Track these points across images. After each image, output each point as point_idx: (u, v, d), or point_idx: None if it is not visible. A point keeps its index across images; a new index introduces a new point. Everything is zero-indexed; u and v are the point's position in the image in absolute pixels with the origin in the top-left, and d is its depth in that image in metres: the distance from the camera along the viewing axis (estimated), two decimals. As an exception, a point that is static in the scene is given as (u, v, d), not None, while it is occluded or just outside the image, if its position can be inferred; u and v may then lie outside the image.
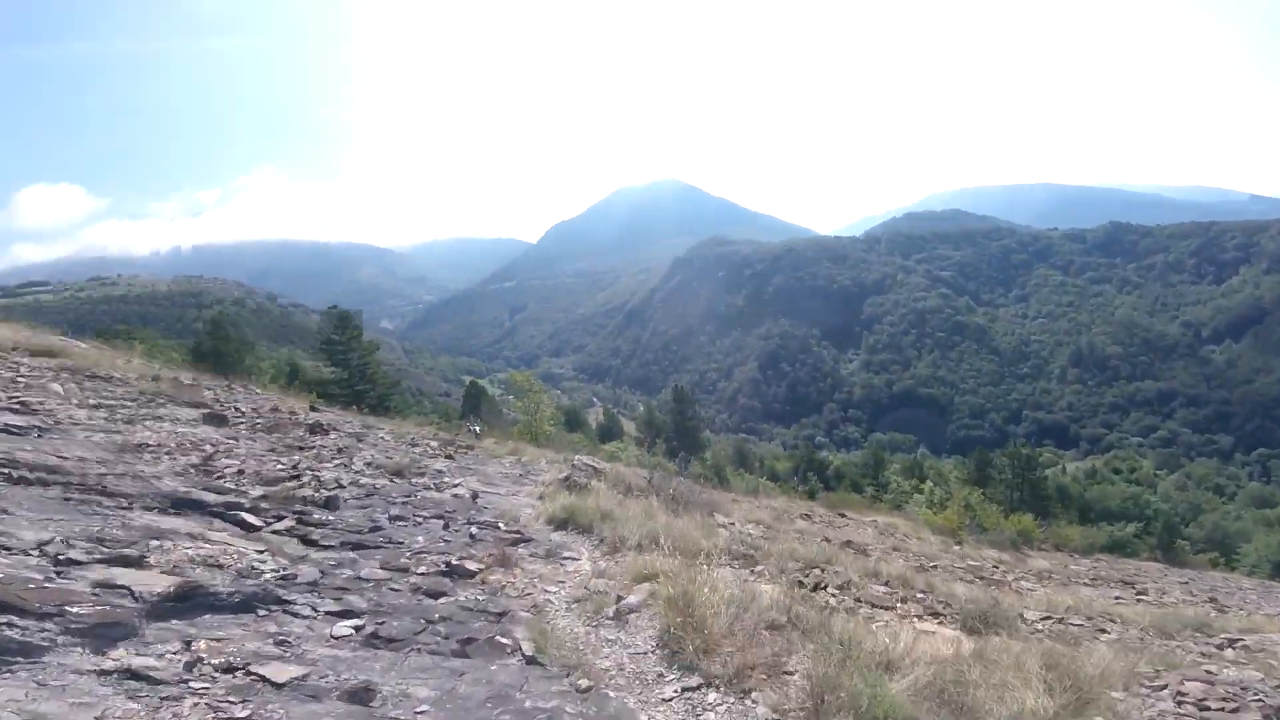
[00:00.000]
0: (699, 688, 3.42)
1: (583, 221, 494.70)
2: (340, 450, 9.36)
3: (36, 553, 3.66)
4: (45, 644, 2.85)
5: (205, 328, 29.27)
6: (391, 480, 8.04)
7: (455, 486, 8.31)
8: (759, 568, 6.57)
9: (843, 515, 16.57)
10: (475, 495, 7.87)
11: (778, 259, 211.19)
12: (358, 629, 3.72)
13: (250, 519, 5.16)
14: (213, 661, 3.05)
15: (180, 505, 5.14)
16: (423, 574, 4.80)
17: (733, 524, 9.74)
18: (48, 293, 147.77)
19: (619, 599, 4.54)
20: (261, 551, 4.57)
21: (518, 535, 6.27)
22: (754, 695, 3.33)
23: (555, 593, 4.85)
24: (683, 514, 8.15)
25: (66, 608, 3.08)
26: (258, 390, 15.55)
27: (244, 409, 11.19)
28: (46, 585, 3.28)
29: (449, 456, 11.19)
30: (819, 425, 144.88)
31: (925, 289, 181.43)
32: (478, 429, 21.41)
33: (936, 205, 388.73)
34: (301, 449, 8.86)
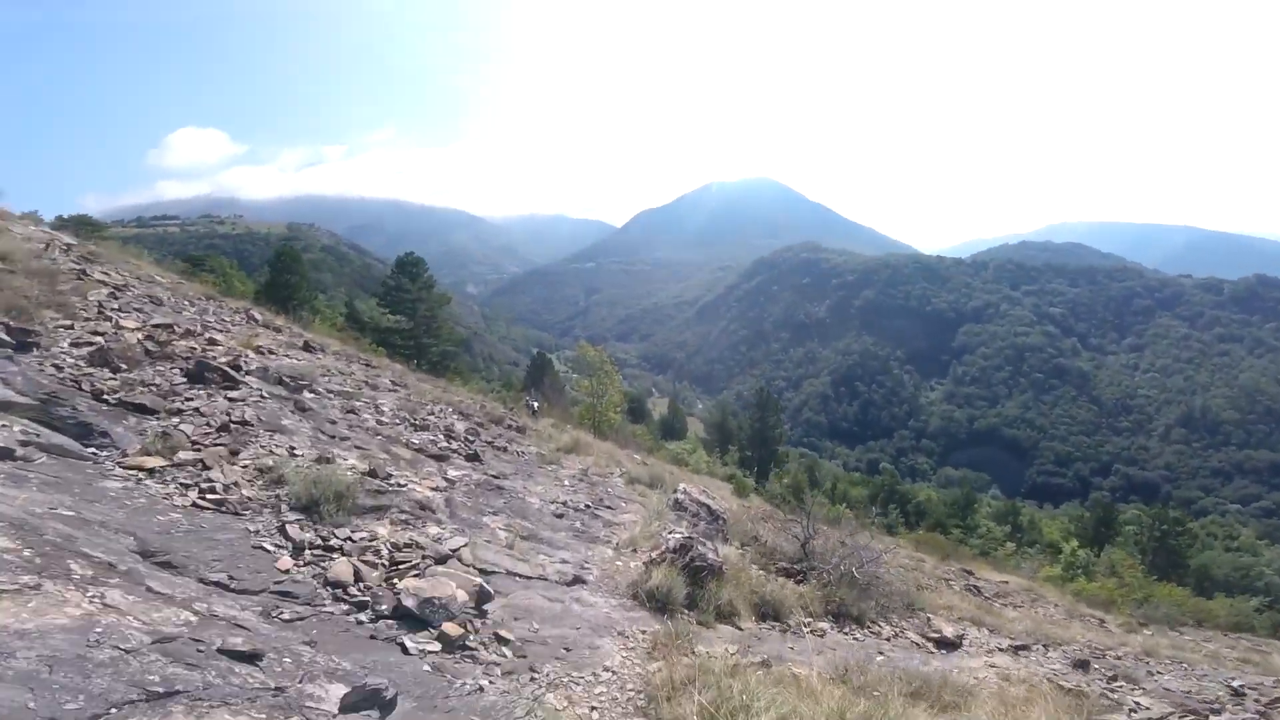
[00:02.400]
0: None
1: (670, 211, 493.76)
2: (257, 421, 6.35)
3: None
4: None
5: (270, 263, 29.29)
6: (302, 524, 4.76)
7: (446, 556, 4.75)
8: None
9: (968, 573, 13.80)
10: (480, 598, 4.33)
11: (871, 272, 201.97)
12: None
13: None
14: None
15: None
16: None
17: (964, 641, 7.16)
18: (175, 226, 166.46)
19: None
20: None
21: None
22: None
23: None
24: (879, 620, 5.87)
25: None
26: (296, 328, 14.31)
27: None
28: None
29: (472, 456, 8.38)
30: (886, 451, 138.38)
31: (1029, 324, 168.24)
32: (536, 405, 19.79)
33: (1057, 236, 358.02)
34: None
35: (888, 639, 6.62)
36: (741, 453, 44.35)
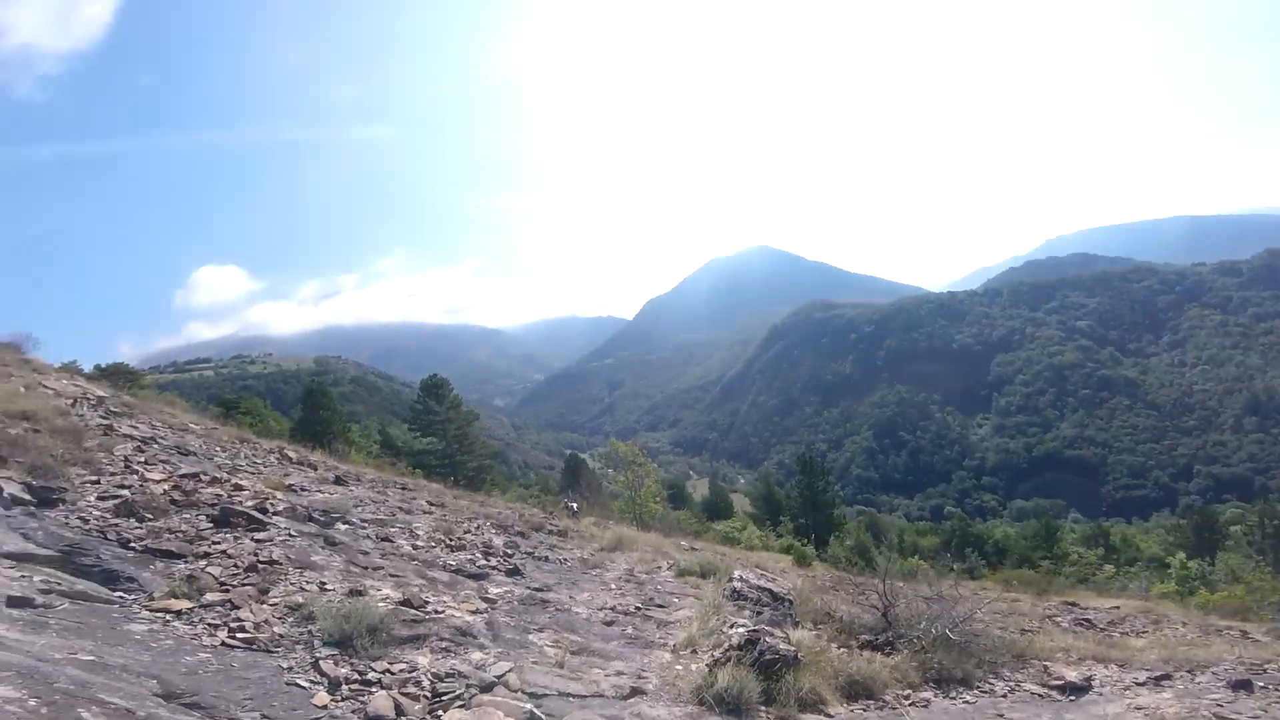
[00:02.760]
0: None
1: (675, 296, 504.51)
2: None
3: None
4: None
5: (302, 400, 30.10)
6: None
7: (491, 683, 4.32)
8: None
9: (1073, 605, 12.59)
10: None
11: (887, 320, 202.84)
12: None
13: None
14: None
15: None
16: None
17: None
18: (209, 369, 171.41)
19: None
20: None
21: None
22: None
23: None
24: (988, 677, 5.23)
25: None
26: (331, 461, 14.31)
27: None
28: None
29: (513, 571, 7.85)
30: (948, 495, 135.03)
31: (1060, 342, 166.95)
32: (575, 506, 19.27)
33: (1059, 250, 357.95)
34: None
35: (1003, 695, 5.78)
36: (794, 521, 42.37)
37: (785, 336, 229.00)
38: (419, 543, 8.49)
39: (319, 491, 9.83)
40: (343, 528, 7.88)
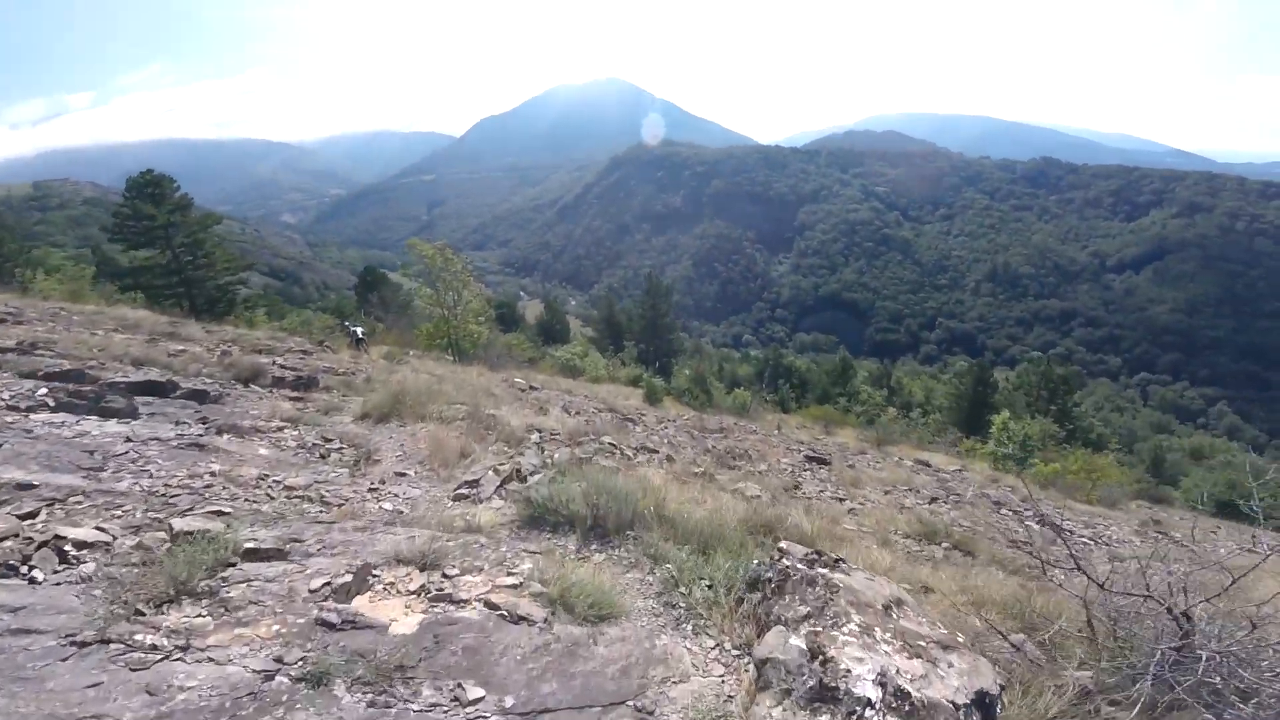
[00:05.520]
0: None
1: (514, 118, 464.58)
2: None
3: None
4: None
5: None
6: None
7: None
8: None
9: (925, 465, 13.10)
10: None
11: (718, 163, 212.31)
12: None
13: None
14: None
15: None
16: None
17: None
18: None
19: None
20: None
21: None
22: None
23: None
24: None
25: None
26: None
27: None
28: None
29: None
30: (747, 324, 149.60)
31: (859, 202, 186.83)
32: (360, 331, 15.74)
33: (877, 126, 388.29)
34: None
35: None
36: (637, 347, 40.87)
37: (625, 166, 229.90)
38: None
39: None
40: None
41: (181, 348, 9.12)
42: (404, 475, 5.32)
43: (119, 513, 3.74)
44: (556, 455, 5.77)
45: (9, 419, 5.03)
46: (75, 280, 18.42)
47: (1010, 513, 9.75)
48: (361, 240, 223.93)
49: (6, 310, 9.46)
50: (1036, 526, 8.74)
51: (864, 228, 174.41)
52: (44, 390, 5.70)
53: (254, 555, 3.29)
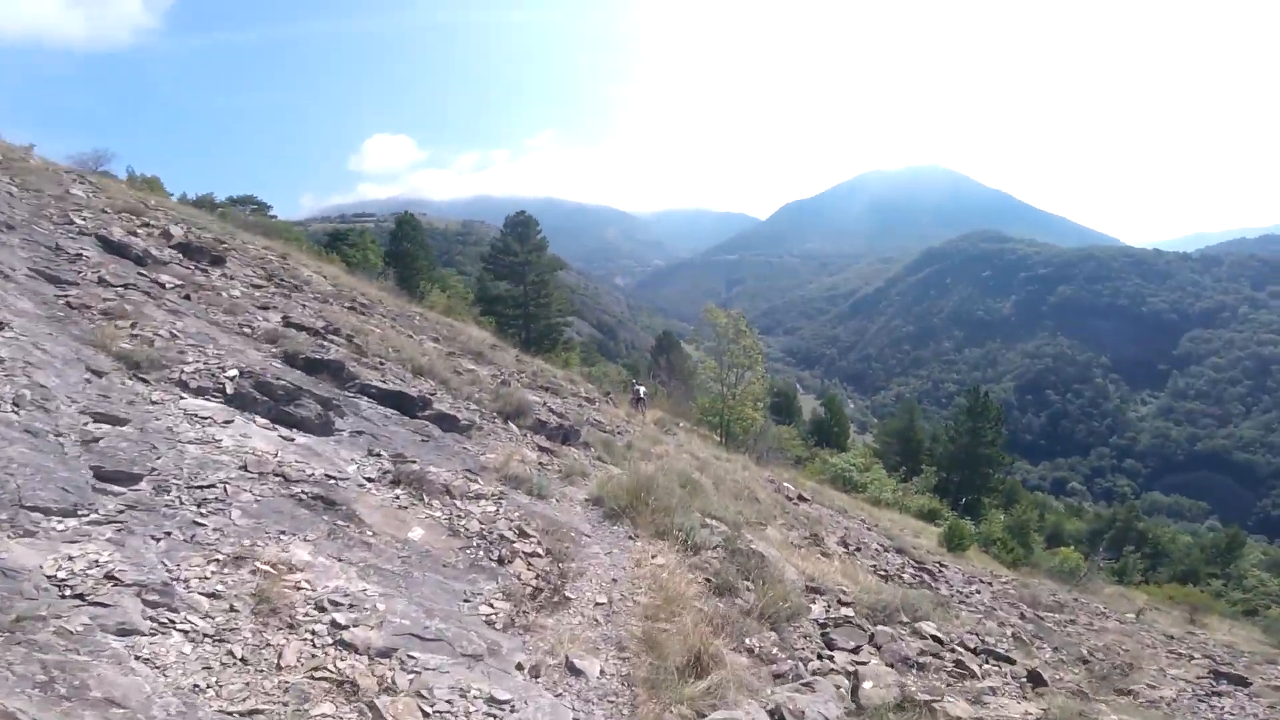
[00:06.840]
0: None
1: (820, 202, 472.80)
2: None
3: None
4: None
5: (393, 232, 28.62)
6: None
7: None
8: None
9: None
10: None
11: (1070, 264, 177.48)
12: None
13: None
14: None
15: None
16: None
17: None
18: (371, 222, 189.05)
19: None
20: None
21: None
22: None
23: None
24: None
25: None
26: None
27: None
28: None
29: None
30: (1079, 470, 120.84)
31: (1278, 330, 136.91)
32: (643, 391, 15.51)
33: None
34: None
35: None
36: (939, 475, 34.34)
37: (941, 261, 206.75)
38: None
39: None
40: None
41: (473, 368, 9.41)
42: (580, 674, 3.22)
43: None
44: (868, 688, 3.30)
45: (148, 407, 4.04)
46: (455, 299, 22.80)
47: None
48: (668, 310, 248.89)
49: (365, 300, 10.86)
50: None
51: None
52: (236, 374, 4.82)
53: None
